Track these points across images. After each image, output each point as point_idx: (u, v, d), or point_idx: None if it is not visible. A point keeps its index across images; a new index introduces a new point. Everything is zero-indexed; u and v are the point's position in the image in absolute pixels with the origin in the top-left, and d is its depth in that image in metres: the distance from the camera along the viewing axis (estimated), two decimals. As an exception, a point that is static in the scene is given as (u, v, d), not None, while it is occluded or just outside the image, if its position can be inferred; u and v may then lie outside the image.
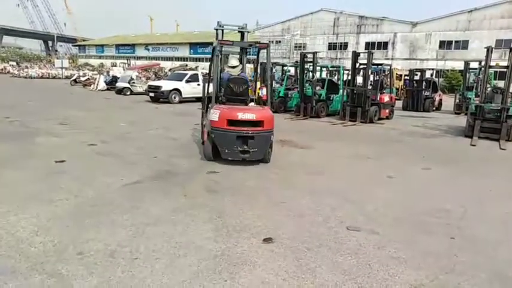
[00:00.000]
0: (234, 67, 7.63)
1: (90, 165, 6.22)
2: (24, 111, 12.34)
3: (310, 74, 14.47)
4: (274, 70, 16.47)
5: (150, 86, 18.84)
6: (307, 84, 14.35)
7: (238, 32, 8.51)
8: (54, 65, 46.43)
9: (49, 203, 4.39)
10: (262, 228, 3.95)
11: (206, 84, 8.49)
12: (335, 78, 17.47)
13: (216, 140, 6.51)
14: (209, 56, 48.53)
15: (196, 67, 43.06)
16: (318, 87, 14.59)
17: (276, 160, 7.17)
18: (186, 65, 47.33)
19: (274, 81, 16.12)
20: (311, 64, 14.26)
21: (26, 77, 36.88)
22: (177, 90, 17.93)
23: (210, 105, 7.28)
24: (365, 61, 13.38)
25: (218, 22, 8.21)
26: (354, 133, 11.29)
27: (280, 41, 45.27)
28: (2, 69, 44.11)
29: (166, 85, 18.11)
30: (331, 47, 43.33)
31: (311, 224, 4.17)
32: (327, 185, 5.70)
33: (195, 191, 5.10)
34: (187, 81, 18.41)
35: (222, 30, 8.23)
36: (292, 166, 6.80)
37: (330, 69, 17.90)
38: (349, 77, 14.40)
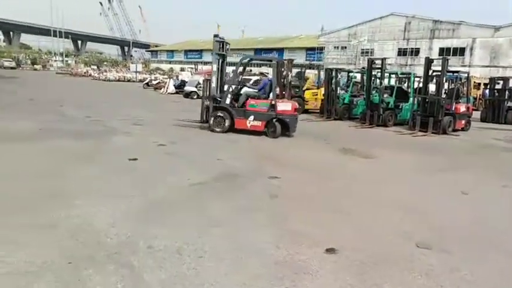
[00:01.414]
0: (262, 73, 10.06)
1: (159, 164, 6.57)
2: (102, 111, 13.42)
3: (378, 80, 13.94)
4: (339, 76, 16.12)
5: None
6: (374, 92, 13.86)
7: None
8: (129, 69, 50.06)
9: (123, 198, 4.70)
10: (324, 238, 3.86)
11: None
12: (405, 86, 16.65)
13: (290, 123, 9.89)
14: (273, 61, 48.78)
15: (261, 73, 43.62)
16: (385, 95, 14.02)
17: (338, 168, 7.01)
18: (250, 70, 48.20)
19: (338, 88, 15.77)
20: (379, 70, 13.75)
21: (104, 80, 40.13)
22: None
23: (261, 101, 10.01)
24: (439, 68, 12.58)
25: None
26: (424, 144, 10.64)
27: (345, 47, 44.28)
28: (84, 73, 48.42)
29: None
30: (401, 52, 41.41)
31: (377, 237, 3.99)
32: (392, 196, 5.43)
33: (256, 195, 5.15)
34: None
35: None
36: (355, 175, 6.59)
37: (400, 76, 17.10)
38: (421, 85, 13.62)
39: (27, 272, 2.91)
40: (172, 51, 78.90)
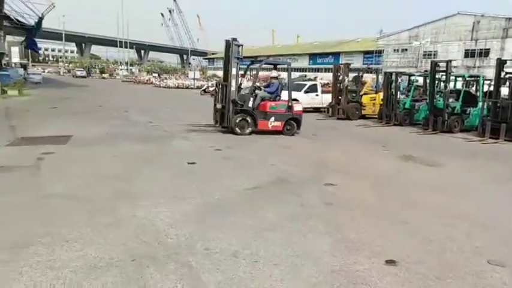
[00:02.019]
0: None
1: (216, 168, 6.74)
2: (163, 117, 14.09)
3: (442, 84, 13.15)
4: (399, 80, 15.45)
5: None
6: (438, 96, 13.08)
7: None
8: (187, 76, 52.11)
9: (182, 200, 4.89)
10: (383, 248, 3.70)
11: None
12: (473, 89, 15.53)
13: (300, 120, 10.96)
14: (328, 66, 47.88)
15: (315, 77, 43.19)
16: (451, 99, 13.17)
17: (398, 176, 6.70)
18: (305, 76, 47.89)
19: (398, 92, 15.11)
20: (443, 73, 12.96)
21: (164, 87, 42.14)
22: (296, 100, 18.18)
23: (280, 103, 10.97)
24: (512, 69, 11.56)
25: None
26: (494, 152, 9.83)
27: (406, 49, 42.37)
28: (147, 80, 51.24)
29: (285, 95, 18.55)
30: (468, 54, 38.72)
31: (441, 250, 3.74)
32: (459, 207, 5.07)
33: (311, 201, 5.08)
34: (305, 92, 18.56)
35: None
36: (417, 184, 6.25)
37: (467, 79, 15.97)
38: (491, 88, 12.62)
39: (96, 266, 3.12)
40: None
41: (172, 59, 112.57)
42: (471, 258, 3.58)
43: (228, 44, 10.44)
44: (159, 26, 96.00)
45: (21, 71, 40.05)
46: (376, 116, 15.73)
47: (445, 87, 12.91)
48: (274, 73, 11.79)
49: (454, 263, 3.48)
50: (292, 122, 10.94)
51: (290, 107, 10.84)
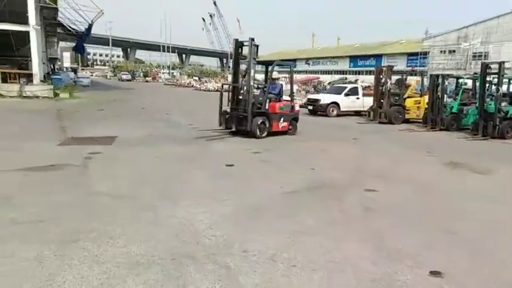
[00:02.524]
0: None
1: (254, 171, 6.77)
2: (202, 119, 14.35)
3: (494, 87, 12.41)
4: (446, 83, 14.75)
5: (309, 99, 19.41)
6: (488, 99, 12.35)
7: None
8: (227, 79, 52.80)
9: (220, 201, 4.94)
10: (428, 258, 3.53)
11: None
12: (528, 93, 14.50)
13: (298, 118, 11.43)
14: (370, 68, 46.71)
15: (356, 80, 42.30)
16: (503, 103, 12.38)
17: (444, 183, 6.40)
18: (346, 78, 47.07)
19: (445, 95, 14.43)
20: (495, 76, 12.23)
21: (204, 90, 42.95)
22: (336, 103, 17.93)
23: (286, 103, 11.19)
24: None
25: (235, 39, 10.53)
26: (552, 160, 9.11)
27: (454, 51, 40.41)
28: (187, 84, 52.49)
29: (324, 98, 18.34)
30: (523, 55, 36.27)
31: (491, 262, 3.51)
32: (510, 218, 4.74)
33: (351, 207, 4.96)
34: (346, 95, 18.24)
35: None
36: (465, 192, 5.93)
37: (522, 81, 14.94)
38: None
39: (139, 263, 3.23)
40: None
41: (212, 63, 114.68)
42: (526, 274, 3.33)
43: (238, 44, 10.47)
44: (200, 30, 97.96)
45: (72, 74, 42.53)
46: (421, 121, 15.12)
47: (497, 90, 12.15)
48: (276, 75, 12.28)
49: (506, 277, 3.26)
50: (294, 122, 11.45)
51: (293, 107, 11.36)
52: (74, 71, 53.05)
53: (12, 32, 21.69)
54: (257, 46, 10.35)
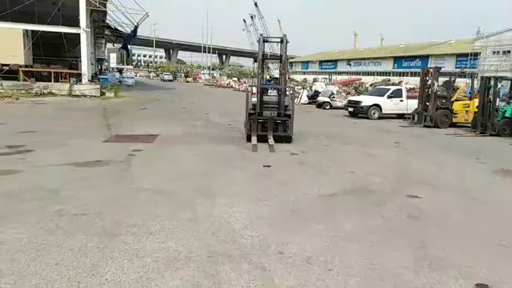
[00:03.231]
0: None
1: (291, 173, 6.71)
2: (241, 119, 14.45)
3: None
4: (499, 85, 13.88)
5: (349, 101, 19.00)
6: (547, 103, 11.48)
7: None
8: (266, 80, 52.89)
9: (257, 201, 4.95)
10: (474, 270, 3.33)
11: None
12: None
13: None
14: (415, 70, 45.02)
15: (400, 82, 40.88)
16: None
17: (494, 192, 6.01)
18: (389, 80, 45.64)
19: (498, 99, 13.57)
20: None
21: (243, 91, 43.28)
22: (377, 105, 17.41)
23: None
24: None
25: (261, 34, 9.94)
26: None
27: (509, 51, 37.96)
28: (227, 84, 53.16)
29: (366, 100, 17.87)
30: None
31: (548, 280, 3.24)
32: None
33: (393, 214, 4.78)
34: (389, 97, 17.64)
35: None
36: (519, 202, 5.53)
37: None
38: None
39: (176, 258, 3.29)
40: (307, 62, 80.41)
41: (252, 64, 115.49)
42: None
43: (263, 41, 9.70)
44: (240, 31, 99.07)
45: (117, 75, 44.41)
46: (469, 125, 14.33)
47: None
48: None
49: None
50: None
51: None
52: (120, 71, 55.40)
53: (64, 34, 23.06)
54: (287, 42, 9.62)
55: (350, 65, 66.41)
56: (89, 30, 24.22)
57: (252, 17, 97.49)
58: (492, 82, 13.30)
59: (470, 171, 7.50)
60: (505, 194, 5.97)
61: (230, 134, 10.69)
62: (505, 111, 13.06)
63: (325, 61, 73.71)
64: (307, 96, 26.69)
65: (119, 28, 32.54)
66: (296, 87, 39.66)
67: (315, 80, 46.42)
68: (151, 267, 3.12)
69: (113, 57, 58.94)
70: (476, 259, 3.57)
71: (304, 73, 77.60)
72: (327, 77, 47.39)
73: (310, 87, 33.03)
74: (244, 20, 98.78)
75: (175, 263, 3.22)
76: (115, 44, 47.70)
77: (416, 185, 6.09)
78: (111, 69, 53.58)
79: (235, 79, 61.38)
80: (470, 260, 3.53)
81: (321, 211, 4.76)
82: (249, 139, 9.15)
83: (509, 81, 15.93)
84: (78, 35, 22.56)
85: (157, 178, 5.91)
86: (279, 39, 9.75)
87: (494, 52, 39.24)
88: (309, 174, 6.65)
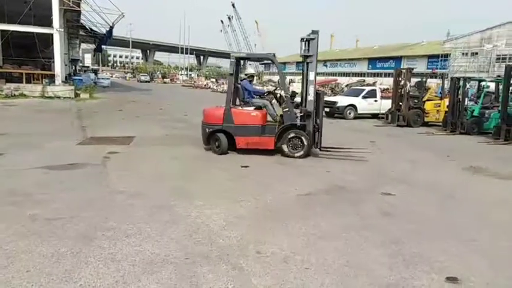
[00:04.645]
0: (245, 75, 9.02)
1: (269, 173, 6.76)
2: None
3: (517, 90, 12.05)
4: (468, 86, 14.41)
5: (326, 102, 19.19)
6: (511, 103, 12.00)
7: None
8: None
9: (235, 202, 4.96)
10: (445, 265, 3.46)
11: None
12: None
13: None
14: (389, 71, 46.02)
15: (374, 82, 41.77)
16: (527, 107, 12.01)
17: (464, 189, 6.24)
18: (364, 81, 46.55)
19: (466, 99, 14.09)
20: (519, 79, 11.87)
21: (221, 92, 43.12)
22: (353, 106, 17.74)
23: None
24: None
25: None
26: None
27: (476, 53, 39.45)
28: (205, 85, 52.93)
29: (341, 101, 18.17)
30: (550, 57, 35.09)
31: (511, 271, 3.40)
32: (536, 227, 4.58)
33: (368, 211, 4.89)
34: (364, 97, 18.01)
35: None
36: (485, 198, 5.77)
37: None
38: None
39: (153, 262, 3.26)
40: (284, 63, 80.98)
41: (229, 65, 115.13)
42: (549, 284, 3.21)
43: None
44: (218, 32, 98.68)
45: (92, 76, 43.44)
46: (440, 124, 14.81)
47: (521, 93, 11.81)
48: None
49: (528, 287, 3.15)
50: None
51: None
52: (95, 72, 54.20)
53: (37, 34, 22.37)
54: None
55: (326, 66, 67.31)
56: (63, 30, 23.58)
57: (229, 18, 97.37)
58: (461, 82, 13.78)
59: (441, 169, 7.76)
60: (475, 191, 6.20)
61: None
62: (473, 110, 13.59)
63: (302, 62, 74.29)
64: (285, 97, 26.83)
65: (94, 28, 31.88)
66: (273, 88, 39.90)
67: (291, 81, 46.79)
68: (128, 271, 3.08)
69: (88, 57, 57.70)
70: (448, 254, 3.70)
71: (282, 74, 77.84)
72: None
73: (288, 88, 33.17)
74: (221, 21, 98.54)
75: (152, 266, 3.19)
76: (90, 45, 46.68)
77: (390, 183, 6.25)
78: (86, 70, 52.32)
79: (213, 80, 61.14)
80: (442, 255, 3.66)
81: (298, 210, 4.81)
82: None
83: (477, 82, 16.60)
84: (51, 35, 21.93)
85: (134, 180, 5.83)
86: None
87: (463, 54, 40.69)
88: (287, 174, 6.71)
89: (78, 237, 3.69)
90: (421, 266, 3.40)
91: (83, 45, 51.35)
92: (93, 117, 13.94)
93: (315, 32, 8.14)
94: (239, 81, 8.69)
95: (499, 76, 16.99)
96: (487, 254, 3.76)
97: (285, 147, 8.01)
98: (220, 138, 8.02)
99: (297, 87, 32.78)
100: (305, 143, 7.98)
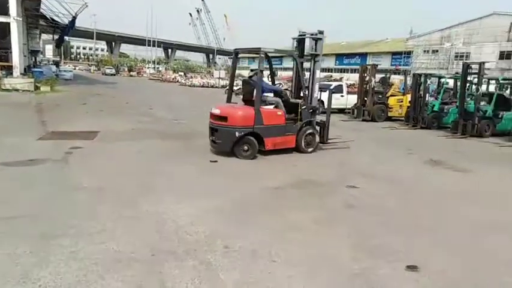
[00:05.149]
0: (252, 70, 8.56)
1: (237, 167, 6.76)
2: (187, 114, 14.27)
3: (474, 87, 12.69)
4: (428, 82, 15.00)
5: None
6: (468, 99, 12.63)
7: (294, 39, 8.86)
8: (212, 75, 52.50)
9: (203, 197, 4.92)
10: (406, 254, 3.61)
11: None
12: (507, 93, 14.90)
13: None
14: (355, 66, 47.13)
15: (341, 78, 42.60)
16: (482, 103, 12.68)
17: (424, 181, 6.52)
18: (331, 76, 47.34)
19: (427, 94, 14.68)
20: (475, 76, 12.50)
21: (190, 86, 42.62)
22: (320, 100, 17.98)
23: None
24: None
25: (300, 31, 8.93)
26: (528, 158, 9.39)
27: (437, 51, 41.14)
28: (173, 79, 51.95)
29: (310, 95, 18.38)
30: (504, 56, 37.17)
31: (467, 260, 3.60)
32: (488, 216, 4.86)
33: (333, 204, 5.01)
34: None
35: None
36: (443, 190, 6.05)
37: (501, 82, 15.33)
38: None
39: (117, 259, 3.19)
40: (253, 58, 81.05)
41: (198, 58, 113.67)
42: (499, 270, 3.43)
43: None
44: (186, 25, 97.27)
45: (54, 68, 41.49)
46: (403, 119, 15.37)
47: (477, 90, 12.44)
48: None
49: (479, 274, 3.35)
50: None
51: None
52: (56, 64, 51.81)
53: (-8, 23, 21.10)
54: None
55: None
56: (21, 19, 22.34)
57: (198, 11, 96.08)
58: (422, 79, 14.34)
59: (403, 162, 8.06)
60: (433, 183, 6.49)
61: (176, 130, 10.50)
62: (434, 105, 14.20)
63: (271, 57, 74.58)
64: (254, 91, 26.85)
65: (56, 18, 30.45)
66: (243, 82, 39.79)
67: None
68: (91, 270, 2.99)
69: (49, 49, 54.94)
70: (408, 244, 3.86)
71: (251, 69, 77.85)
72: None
73: (257, 82, 33.20)
74: (190, 14, 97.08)
75: (116, 264, 3.12)
76: (52, 35, 44.54)
77: (355, 176, 6.43)
78: (47, 62, 49.91)
79: (182, 74, 60.13)
80: (402, 245, 3.81)
81: (266, 204, 4.85)
82: None
83: (437, 78, 17.31)
84: (8, 24, 20.73)
85: (98, 176, 5.66)
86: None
87: (424, 51, 42.34)
88: (255, 168, 6.74)
89: (38, 236, 3.54)
90: (383, 256, 3.53)
91: (44, 36, 48.95)
92: (55, 111, 13.36)
93: (321, 32, 8.35)
94: (252, 78, 8.32)
95: (457, 73, 17.81)
96: (444, 243, 3.96)
97: (302, 144, 8.10)
98: (251, 140, 7.39)
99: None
100: (317, 139, 8.26)
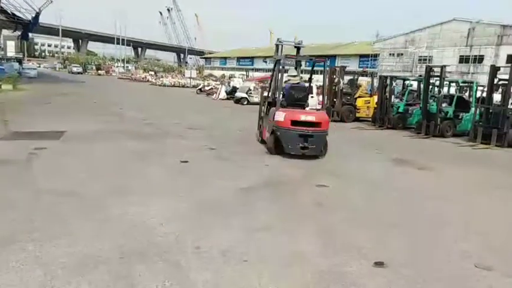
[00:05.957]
0: (294, 76, 9.16)
1: (208, 168, 6.73)
2: (158, 115, 14.06)
3: (436, 89, 13.25)
4: (394, 84, 15.53)
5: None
6: (431, 100, 13.18)
7: (295, 47, 9.79)
8: (184, 75, 51.88)
9: (174, 198, 4.87)
10: (373, 250, 3.73)
11: (265, 92, 10.00)
12: (466, 95, 15.67)
13: (280, 137, 7.64)
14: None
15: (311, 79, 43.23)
16: (444, 104, 13.27)
17: (390, 180, 6.75)
18: (301, 78, 47.93)
19: (393, 96, 15.20)
20: (437, 78, 13.06)
21: (160, 85, 41.96)
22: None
23: (273, 109, 8.27)
24: (506, 76, 11.67)
25: (278, 39, 9.94)
26: (485, 157, 9.93)
27: (402, 54, 42.60)
28: (143, 78, 51.00)
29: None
30: (463, 60, 38.97)
31: (430, 254, 3.77)
32: (449, 212, 5.11)
33: (303, 203, 5.09)
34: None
35: (282, 46, 9.97)
36: (408, 188, 6.29)
37: (461, 84, 16.11)
38: (484, 94, 12.74)
39: (84, 263, 3.11)
40: (225, 58, 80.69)
41: (169, 58, 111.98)
42: (458, 262, 3.62)
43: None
44: (157, 24, 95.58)
45: (16, 65, 39.66)
46: (370, 119, 15.82)
47: (439, 92, 13.01)
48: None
49: (442, 266, 3.51)
50: None
51: None
52: (19, 61, 49.53)
53: None
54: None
55: (266, 62, 68.10)
56: (-23, 13, 21.22)
57: (168, 10, 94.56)
58: (388, 81, 14.83)
59: (370, 161, 8.31)
60: (400, 181, 6.74)
61: (146, 130, 10.31)
62: (399, 107, 14.73)
63: (243, 58, 74.71)
64: (226, 91, 26.85)
65: (17, 13, 29.10)
66: (214, 83, 39.65)
67: (231, 76, 46.71)
68: (56, 274, 2.90)
69: (11, 45, 52.36)
70: (374, 240, 3.99)
71: (222, 69, 77.73)
72: (244, 73, 48.07)
73: (229, 83, 33.20)
74: (160, 13, 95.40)
75: (83, 267, 3.04)
76: (15, 32, 42.51)
77: (324, 175, 6.57)
78: (8, 59, 47.58)
79: (152, 73, 59.07)
80: (370, 242, 3.93)
81: (237, 204, 4.86)
82: None
83: (402, 81, 17.95)
84: (-37, 18, 19.65)
85: (64, 178, 5.48)
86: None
87: (390, 54, 43.74)
88: (226, 169, 6.74)
89: (-2, 241, 3.39)
90: (351, 253, 3.63)
91: (5, 32, 46.67)
92: (17, 111, 12.79)
93: (299, 42, 9.73)
94: (299, 84, 9.15)
95: (420, 76, 18.51)
96: (409, 238, 4.13)
97: None
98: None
99: (237, 82, 32.87)
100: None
